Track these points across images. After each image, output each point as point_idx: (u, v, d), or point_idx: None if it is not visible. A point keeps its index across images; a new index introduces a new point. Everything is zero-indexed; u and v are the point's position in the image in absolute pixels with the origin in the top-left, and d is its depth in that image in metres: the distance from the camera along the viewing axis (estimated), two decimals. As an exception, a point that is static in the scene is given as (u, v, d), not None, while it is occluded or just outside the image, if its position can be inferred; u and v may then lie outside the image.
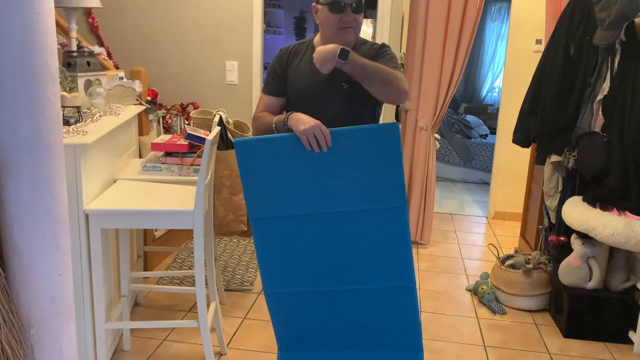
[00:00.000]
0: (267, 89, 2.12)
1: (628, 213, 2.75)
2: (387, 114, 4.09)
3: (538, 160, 3.34)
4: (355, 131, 1.82)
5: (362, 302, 1.93)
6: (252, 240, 4.00)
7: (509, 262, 3.28)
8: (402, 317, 1.95)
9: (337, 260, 1.89)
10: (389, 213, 1.84)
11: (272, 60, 2.14)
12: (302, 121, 1.79)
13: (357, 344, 2.00)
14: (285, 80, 2.07)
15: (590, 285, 2.91)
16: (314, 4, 2.05)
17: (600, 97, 2.87)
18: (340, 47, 1.80)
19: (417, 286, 3.47)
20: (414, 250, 4.03)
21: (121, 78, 3.14)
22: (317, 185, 1.82)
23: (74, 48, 3.06)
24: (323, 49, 1.83)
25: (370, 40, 2.23)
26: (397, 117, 4.39)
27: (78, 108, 2.51)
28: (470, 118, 7.11)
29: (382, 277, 1.90)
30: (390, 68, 1.92)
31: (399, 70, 1.98)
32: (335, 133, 1.80)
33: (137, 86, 3.11)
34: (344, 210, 1.84)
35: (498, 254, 3.44)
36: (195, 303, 2.64)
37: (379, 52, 2.06)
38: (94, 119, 2.56)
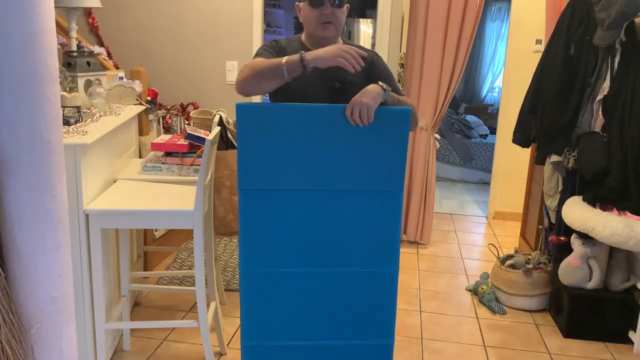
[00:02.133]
0: (264, 56, 1.99)
1: (628, 213, 2.75)
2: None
3: (538, 160, 3.34)
4: None
5: (343, 287, 1.92)
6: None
7: (509, 262, 3.28)
8: (381, 305, 1.95)
9: (323, 241, 1.87)
10: (386, 196, 1.85)
11: (267, 43, 2.09)
12: (325, 51, 1.77)
13: (328, 334, 1.97)
14: None
15: (590, 285, 2.91)
16: (297, 2, 2.06)
17: (600, 97, 2.87)
18: (380, 86, 1.81)
19: (417, 286, 3.47)
20: (413, 250, 4.03)
21: (121, 78, 3.14)
22: (317, 161, 1.80)
23: (74, 48, 3.06)
24: (366, 96, 1.78)
25: (353, 42, 2.20)
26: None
27: (78, 108, 2.51)
28: (470, 118, 7.11)
29: (367, 260, 1.90)
30: (399, 93, 1.97)
31: (399, 87, 2.04)
32: (344, 109, 1.79)
33: (137, 86, 3.11)
34: (340, 189, 1.83)
35: (498, 254, 3.44)
36: (195, 303, 2.64)
37: (375, 67, 2.05)
38: (94, 119, 2.56)
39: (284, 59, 1.82)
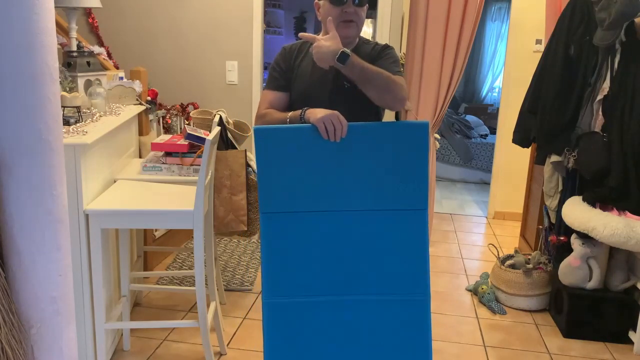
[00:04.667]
0: (273, 84, 2.07)
1: (628, 213, 2.75)
2: (387, 113, 4.09)
3: (538, 160, 3.33)
4: (383, 127, 1.80)
5: (371, 318, 1.83)
6: (252, 240, 4.00)
7: (509, 262, 3.28)
8: (413, 338, 1.87)
9: (349, 265, 1.80)
10: (409, 215, 1.79)
11: (274, 57, 2.11)
12: (320, 111, 1.78)
13: None
14: (290, 76, 2.05)
15: (590, 285, 2.91)
16: (315, 1, 2.04)
17: (600, 97, 2.87)
18: (342, 49, 1.78)
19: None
20: (414, 250, 4.03)
21: (121, 78, 3.14)
22: (337, 180, 1.77)
23: (74, 48, 3.06)
24: (325, 45, 1.80)
25: (371, 40, 2.21)
26: (397, 116, 4.39)
27: (78, 108, 2.51)
28: (470, 118, 7.11)
29: (395, 286, 1.82)
30: (392, 72, 1.89)
31: (400, 74, 1.94)
32: (361, 127, 1.77)
33: (137, 86, 3.11)
34: (363, 209, 1.79)
35: (498, 254, 3.44)
36: (195, 303, 2.64)
37: (381, 53, 2.03)
38: (94, 119, 2.56)
39: (289, 116, 1.87)
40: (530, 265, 3.19)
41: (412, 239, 1.82)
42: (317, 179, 1.77)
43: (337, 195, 1.78)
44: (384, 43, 2.13)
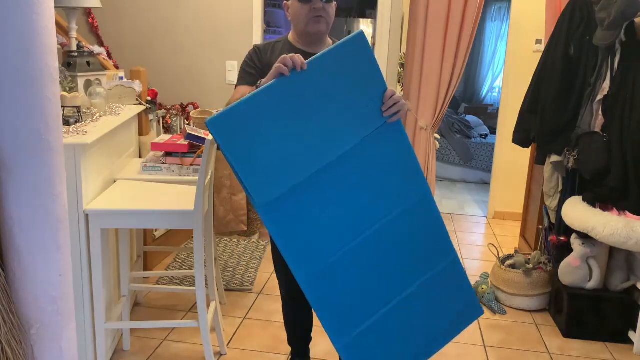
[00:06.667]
0: (247, 79, 2.05)
1: (628, 213, 2.75)
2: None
3: (538, 160, 3.34)
4: (323, 55, 1.73)
5: (390, 238, 1.86)
6: (252, 240, 4.00)
7: (509, 262, 3.29)
8: (433, 235, 1.93)
9: (358, 206, 1.81)
10: (385, 130, 1.79)
11: (247, 55, 2.11)
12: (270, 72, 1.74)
13: (401, 287, 1.89)
14: (267, 72, 2.05)
15: (590, 285, 2.91)
16: (285, 1, 2.08)
17: (600, 97, 2.87)
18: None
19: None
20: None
21: (121, 78, 3.14)
22: (311, 131, 1.69)
23: (74, 48, 3.06)
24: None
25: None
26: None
27: (78, 108, 2.51)
28: (470, 118, 7.11)
29: (400, 199, 1.86)
30: None
31: None
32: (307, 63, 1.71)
33: (137, 86, 3.11)
34: (347, 150, 1.75)
35: (498, 254, 3.44)
36: (195, 303, 2.64)
37: None
38: (94, 119, 2.56)
39: (247, 93, 1.79)
40: (530, 265, 3.19)
41: (397, 152, 1.84)
42: (292, 139, 1.67)
43: (318, 147, 1.71)
44: None
